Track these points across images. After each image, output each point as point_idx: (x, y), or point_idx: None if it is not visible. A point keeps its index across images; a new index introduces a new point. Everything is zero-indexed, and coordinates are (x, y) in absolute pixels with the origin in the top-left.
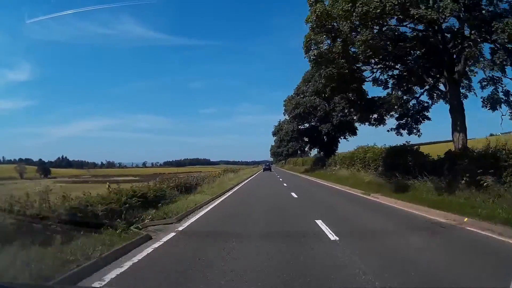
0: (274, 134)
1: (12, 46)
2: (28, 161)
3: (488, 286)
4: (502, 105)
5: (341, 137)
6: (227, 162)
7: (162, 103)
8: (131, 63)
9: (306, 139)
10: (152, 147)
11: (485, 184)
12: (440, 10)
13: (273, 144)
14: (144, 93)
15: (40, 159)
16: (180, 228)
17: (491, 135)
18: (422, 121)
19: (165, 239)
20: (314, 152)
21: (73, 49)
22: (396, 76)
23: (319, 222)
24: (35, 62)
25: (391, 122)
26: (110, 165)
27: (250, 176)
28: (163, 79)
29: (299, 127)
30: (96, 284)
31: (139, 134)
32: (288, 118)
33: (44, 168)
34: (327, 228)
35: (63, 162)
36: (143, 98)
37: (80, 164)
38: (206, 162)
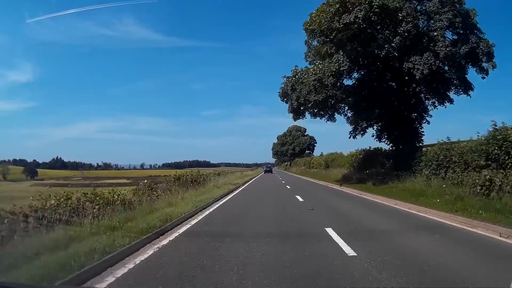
0: (283, 95)
1: (12, 46)
2: (22, 162)
3: (488, 286)
4: None
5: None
6: (228, 164)
7: (163, 105)
8: (132, 64)
9: (349, 111)
10: (153, 149)
11: None
12: None
13: (276, 142)
14: (145, 95)
15: (34, 160)
16: None
17: None
18: None
19: None
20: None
21: (74, 49)
22: None
23: None
24: (35, 62)
25: None
26: (107, 166)
27: (228, 194)
28: (164, 81)
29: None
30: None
31: (140, 136)
32: (312, 63)
33: (30, 170)
34: None
35: (58, 163)
36: (144, 100)
37: (75, 166)
38: (206, 164)
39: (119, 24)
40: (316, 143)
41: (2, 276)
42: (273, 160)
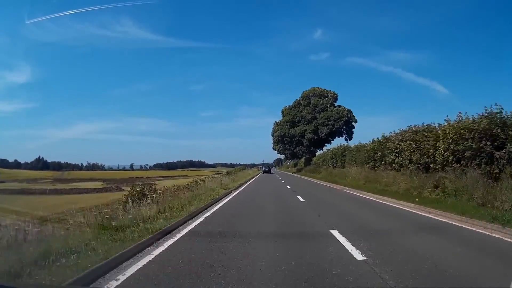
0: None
1: (11, 47)
2: (3, 162)
3: (489, 286)
4: None
5: None
6: (225, 165)
7: (161, 106)
8: (130, 65)
9: None
10: (149, 149)
11: None
12: None
13: (279, 120)
14: (143, 95)
15: (16, 160)
16: None
17: None
18: None
19: None
20: None
21: (72, 50)
22: None
23: None
24: (34, 63)
25: None
26: (94, 167)
27: None
28: (163, 82)
29: None
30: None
31: (137, 136)
32: None
33: None
34: None
35: (40, 164)
36: (142, 100)
37: (58, 166)
38: (201, 165)
39: (118, 25)
40: (356, 121)
41: None
42: (272, 158)
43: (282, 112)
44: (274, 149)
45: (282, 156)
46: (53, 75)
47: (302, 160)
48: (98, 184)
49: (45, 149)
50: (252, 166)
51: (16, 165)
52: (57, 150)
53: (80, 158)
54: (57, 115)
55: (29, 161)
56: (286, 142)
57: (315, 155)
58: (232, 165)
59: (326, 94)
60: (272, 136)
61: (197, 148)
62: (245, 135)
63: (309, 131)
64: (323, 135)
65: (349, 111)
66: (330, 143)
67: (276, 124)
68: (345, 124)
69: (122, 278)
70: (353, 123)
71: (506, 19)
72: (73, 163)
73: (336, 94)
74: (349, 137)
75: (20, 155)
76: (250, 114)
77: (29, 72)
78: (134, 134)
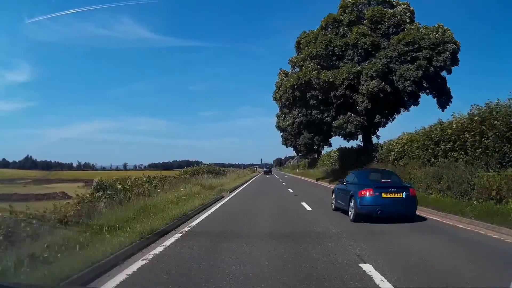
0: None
1: (11, 46)
2: None
3: (489, 286)
4: None
5: None
6: (222, 165)
7: (160, 105)
8: (130, 64)
9: None
10: (148, 149)
11: None
12: None
13: (294, 56)
14: (143, 95)
15: (4, 159)
16: None
17: None
18: None
19: None
20: None
21: (72, 50)
22: None
23: None
24: (34, 63)
25: None
26: (85, 167)
27: None
28: (162, 81)
29: None
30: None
31: (136, 136)
32: None
33: None
34: None
35: (28, 163)
36: (141, 100)
37: (46, 166)
38: (198, 165)
39: (118, 24)
40: (457, 64)
41: None
42: (271, 158)
43: (298, 43)
44: (278, 127)
45: (283, 156)
46: (52, 74)
47: (334, 153)
48: (75, 186)
49: (43, 149)
50: (248, 166)
51: (4, 164)
52: (54, 150)
53: (77, 158)
54: (55, 115)
55: (17, 160)
56: (311, 101)
57: (372, 135)
58: (230, 166)
59: (393, 3)
60: (275, 99)
61: (195, 148)
62: (244, 135)
63: (369, 73)
64: (407, 84)
65: (448, 33)
66: (407, 108)
67: (284, 73)
68: (452, 60)
69: None
70: (446, 75)
71: (506, 20)
72: (64, 163)
73: (411, 8)
74: (446, 100)
75: (18, 154)
76: (249, 114)
77: (29, 71)
78: (133, 134)
